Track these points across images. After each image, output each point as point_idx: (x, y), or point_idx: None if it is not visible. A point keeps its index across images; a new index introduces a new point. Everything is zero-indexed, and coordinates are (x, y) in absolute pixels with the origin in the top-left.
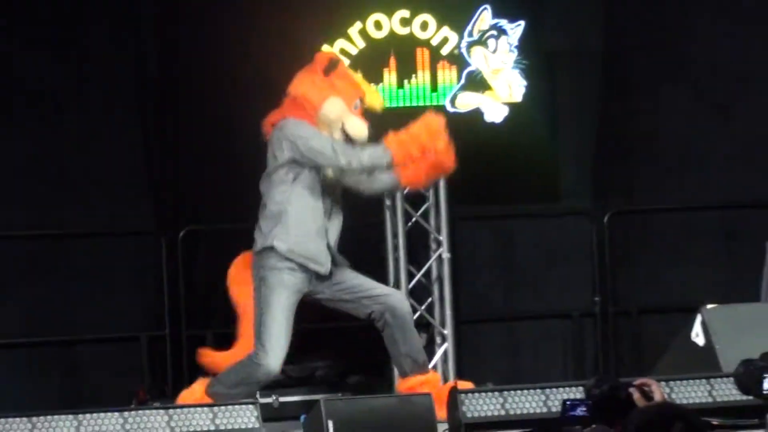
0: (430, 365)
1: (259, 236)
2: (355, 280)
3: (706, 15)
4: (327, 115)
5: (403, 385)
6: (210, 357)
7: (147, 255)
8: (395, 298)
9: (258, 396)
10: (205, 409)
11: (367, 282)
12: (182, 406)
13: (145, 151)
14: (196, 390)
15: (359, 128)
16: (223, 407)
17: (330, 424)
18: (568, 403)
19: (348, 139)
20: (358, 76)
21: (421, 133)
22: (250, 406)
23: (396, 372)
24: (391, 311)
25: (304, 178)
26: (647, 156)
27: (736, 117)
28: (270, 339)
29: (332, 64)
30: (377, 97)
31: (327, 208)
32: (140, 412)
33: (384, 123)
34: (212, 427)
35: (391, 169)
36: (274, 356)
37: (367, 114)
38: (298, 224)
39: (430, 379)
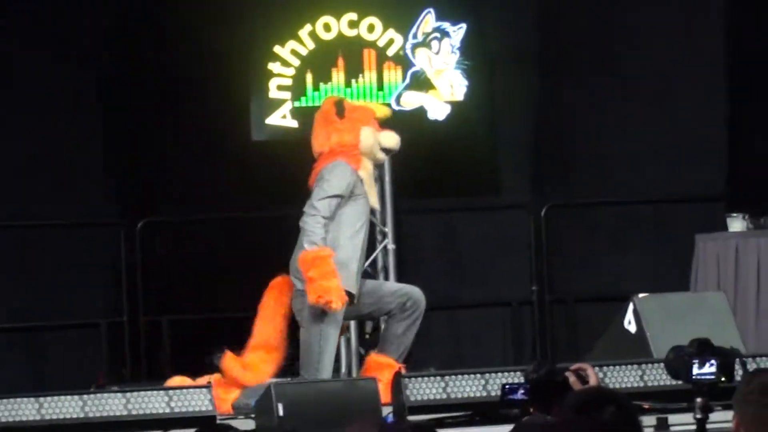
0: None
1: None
2: (370, 283)
3: (636, 17)
4: (366, 144)
5: (374, 359)
6: (233, 362)
7: (107, 246)
8: (418, 291)
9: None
10: (161, 392)
11: (381, 281)
12: (139, 390)
13: (109, 147)
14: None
15: (393, 139)
16: (178, 391)
17: (280, 406)
18: (507, 387)
19: (388, 152)
20: (361, 100)
21: (316, 286)
22: (204, 390)
23: (341, 362)
24: (414, 302)
25: (347, 214)
26: (582, 152)
27: (666, 114)
28: (325, 368)
29: (340, 106)
30: (383, 108)
31: (365, 239)
32: (99, 395)
33: None
34: (167, 410)
35: (302, 246)
36: None
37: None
38: (349, 262)
39: (395, 366)
